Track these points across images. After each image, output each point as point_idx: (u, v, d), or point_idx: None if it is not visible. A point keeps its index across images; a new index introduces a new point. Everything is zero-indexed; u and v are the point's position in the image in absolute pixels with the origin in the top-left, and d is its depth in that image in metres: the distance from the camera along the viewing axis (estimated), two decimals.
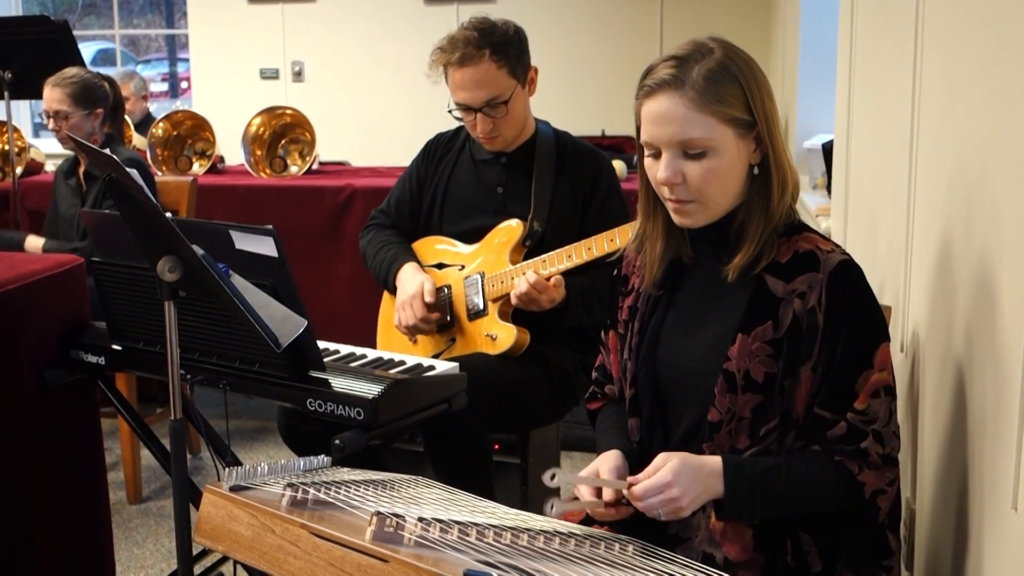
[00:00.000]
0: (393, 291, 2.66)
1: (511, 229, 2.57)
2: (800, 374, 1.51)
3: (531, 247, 2.55)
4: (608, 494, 1.55)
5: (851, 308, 1.50)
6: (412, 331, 2.59)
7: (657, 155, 1.55)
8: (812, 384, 1.51)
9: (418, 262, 2.66)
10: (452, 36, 2.51)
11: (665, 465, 1.49)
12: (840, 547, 1.55)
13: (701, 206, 1.55)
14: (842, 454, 1.51)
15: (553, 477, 1.44)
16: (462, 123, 2.65)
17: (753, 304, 1.54)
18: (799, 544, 1.53)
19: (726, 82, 1.50)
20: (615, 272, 1.78)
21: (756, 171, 1.56)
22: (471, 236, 2.63)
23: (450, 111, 2.60)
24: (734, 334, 1.54)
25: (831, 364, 1.50)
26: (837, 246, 1.56)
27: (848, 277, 1.51)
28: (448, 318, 2.59)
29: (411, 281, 2.58)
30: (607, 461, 1.61)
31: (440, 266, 2.66)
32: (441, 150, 2.75)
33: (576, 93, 5.80)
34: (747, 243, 1.55)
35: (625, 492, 1.51)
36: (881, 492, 1.52)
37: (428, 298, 2.54)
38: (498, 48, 2.48)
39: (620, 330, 1.73)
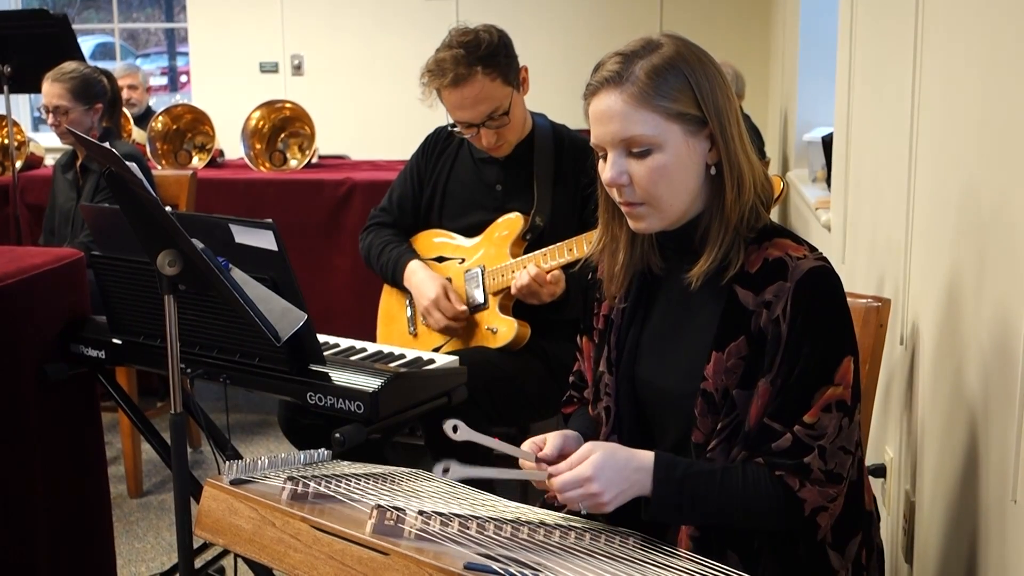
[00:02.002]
0: (404, 289, 2.67)
1: (512, 222, 2.57)
2: (757, 386, 1.43)
3: (531, 241, 2.55)
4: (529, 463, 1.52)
5: (816, 320, 1.42)
6: (447, 331, 2.59)
7: (606, 157, 1.49)
8: (768, 396, 1.43)
9: (420, 259, 2.66)
10: (439, 58, 2.46)
11: (588, 457, 1.42)
12: (777, 566, 1.46)
13: (652, 208, 1.48)
14: (783, 468, 1.42)
15: (446, 471, 1.39)
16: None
17: (725, 319, 1.47)
18: (729, 564, 1.44)
19: (671, 77, 1.44)
20: (589, 277, 1.71)
21: (713, 171, 1.48)
22: (471, 231, 2.63)
23: (452, 127, 2.58)
24: (709, 352, 1.47)
25: (789, 377, 1.42)
26: (812, 250, 1.48)
27: (816, 286, 1.43)
28: (484, 300, 2.57)
29: (426, 284, 2.58)
30: (554, 436, 1.57)
31: (440, 259, 2.66)
32: (440, 145, 2.74)
33: (574, 87, 5.78)
34: (708, 248, 1.48)
35: (546, 483, 1.46)
36: (822, 509, 1.43)
37: (458, 306, 2.55)
38: (488, 61, 2.44)
39: (595, 339, 1.67)
